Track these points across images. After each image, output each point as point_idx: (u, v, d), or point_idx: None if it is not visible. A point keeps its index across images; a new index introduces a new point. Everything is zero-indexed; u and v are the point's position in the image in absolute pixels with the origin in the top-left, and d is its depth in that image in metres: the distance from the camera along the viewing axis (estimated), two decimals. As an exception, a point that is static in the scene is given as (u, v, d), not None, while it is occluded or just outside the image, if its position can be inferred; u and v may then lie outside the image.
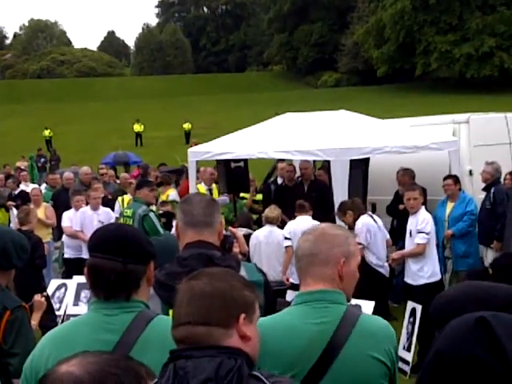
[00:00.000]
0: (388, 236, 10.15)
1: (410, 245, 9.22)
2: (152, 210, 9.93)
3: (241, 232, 6.22)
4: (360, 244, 8.91)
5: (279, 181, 13.21)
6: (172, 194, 12.44)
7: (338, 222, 9.82)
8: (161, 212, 10.81)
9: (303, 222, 9.53)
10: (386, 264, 9.82)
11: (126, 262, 2.85)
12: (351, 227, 9.58)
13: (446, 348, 1.84)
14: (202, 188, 12.56)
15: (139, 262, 2.90)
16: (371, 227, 9.66)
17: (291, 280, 9.53)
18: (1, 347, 4.05)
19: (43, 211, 12.40)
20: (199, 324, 2.19)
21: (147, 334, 2.78)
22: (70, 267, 11.36)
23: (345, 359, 2.87)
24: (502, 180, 10.53)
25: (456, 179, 10.40)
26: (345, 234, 3.15)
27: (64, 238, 11.94)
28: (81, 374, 1.68)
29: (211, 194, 12.33)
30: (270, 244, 9.85)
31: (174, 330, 2.25)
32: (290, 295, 8.85)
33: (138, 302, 2.89)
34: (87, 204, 11.86)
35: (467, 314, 1.94)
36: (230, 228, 4.56)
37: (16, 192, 15.53)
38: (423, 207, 9.19)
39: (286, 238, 9.72)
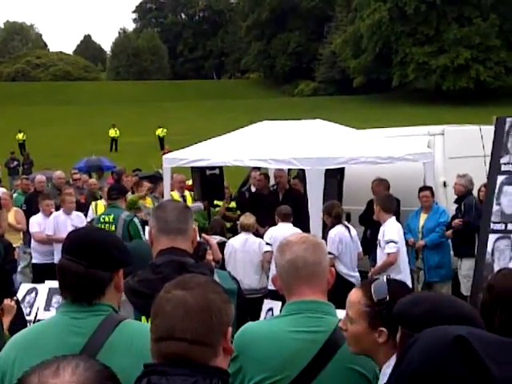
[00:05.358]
0: (360, 249, 10.06)
1: (380, 255, 9.28)
2: (136, 216, 9.87)
3: (215, 240, 6.18)
4: (331, 254, 8.88)
5: (253, 189, 13.17)
6: (161, 201, 12.30)
7: (314, 226, 9.78)
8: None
9: (285, 230, 9.44)
10: (357, 274, 9.81)
11: (89, 266, 2.82)
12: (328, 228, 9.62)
13: (424, 368, 1.80)
14: (176, 195, 12.50)
15: (104, 268, 2.87)
16: (344, 237, 9.61)
17: (270, 286, 9.39)
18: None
19: (13, 215, 12.23)
20: (198, 343, 2.09)
21: (114, 338, 2.76)
22: (39, 273, 11.19)
23: (332, 369, 2.88)
24: (475, 192, 10.57)
25: (432, 191, 10.46)
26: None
27: (32, 243, 11.75)
28: None
29: (184, 200, 12.25)
30: (246, 252, 9.78)
31: (164, 343, 2.12)
32: (268, 304, 8.72)
33: (106, 306, 2.86)
34: (57, 208, 11.73)
35: (440, 329, 1.90)
36: (203, 235, 4.53)
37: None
38: (393, 217, 9.22)
39: (266, 244, 9.64)
